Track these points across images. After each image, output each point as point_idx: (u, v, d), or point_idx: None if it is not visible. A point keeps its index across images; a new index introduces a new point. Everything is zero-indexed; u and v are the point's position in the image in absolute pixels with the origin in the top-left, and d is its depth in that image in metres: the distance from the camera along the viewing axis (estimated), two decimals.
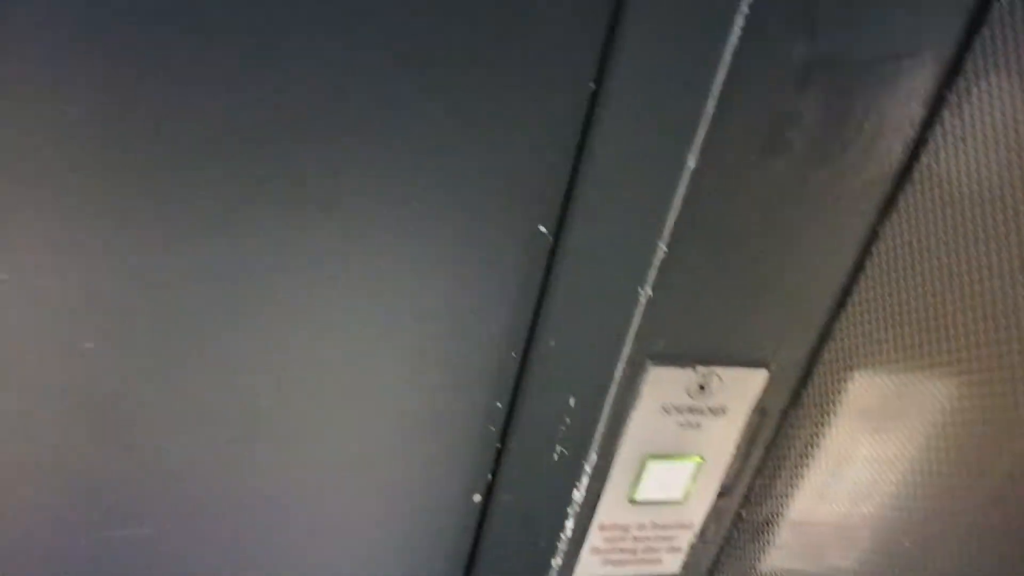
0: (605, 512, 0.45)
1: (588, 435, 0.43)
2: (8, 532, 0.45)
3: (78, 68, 0.33)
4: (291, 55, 0.35)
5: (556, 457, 0.45)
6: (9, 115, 0.34)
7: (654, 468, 0.43)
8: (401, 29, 0.35)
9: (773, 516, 0.48)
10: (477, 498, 0.52)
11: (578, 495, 0.45)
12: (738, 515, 0.48)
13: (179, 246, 0.38)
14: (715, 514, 0.47)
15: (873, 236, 0.39)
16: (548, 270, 0.44)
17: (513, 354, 0.47)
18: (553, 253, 0.43)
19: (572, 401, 0.43)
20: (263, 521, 0.49)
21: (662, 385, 0.41)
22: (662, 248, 0.38)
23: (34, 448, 0.42)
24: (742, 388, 0.42)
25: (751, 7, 0.33)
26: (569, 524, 0.46)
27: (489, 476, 0.51)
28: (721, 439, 0.43)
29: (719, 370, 0.41)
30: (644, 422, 0.42)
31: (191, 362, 0.41)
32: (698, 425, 0.42)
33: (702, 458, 0.44)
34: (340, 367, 0.44)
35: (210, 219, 0.38)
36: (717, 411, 0.42)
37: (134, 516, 0.46)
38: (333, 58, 0.35)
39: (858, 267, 0.40)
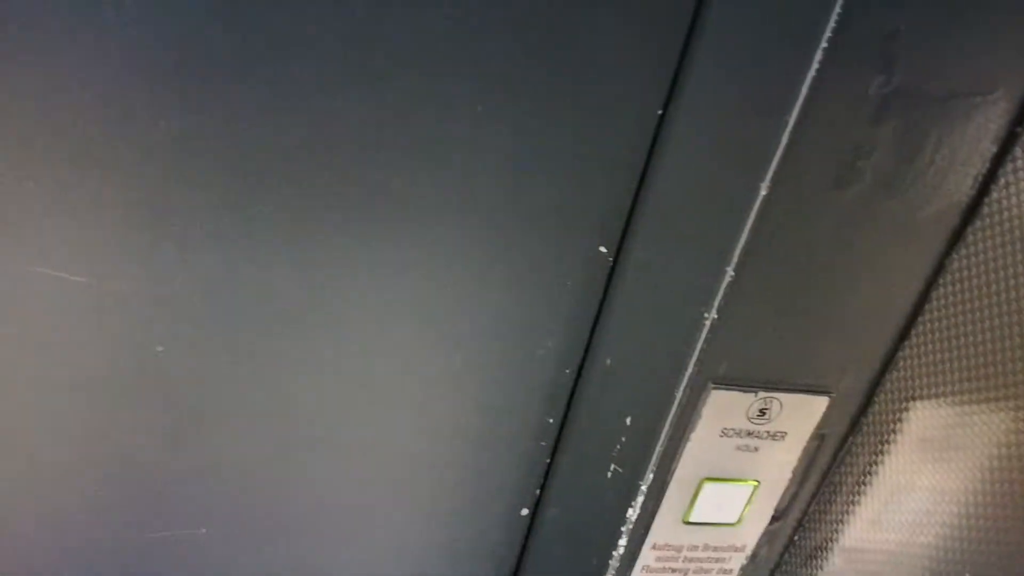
0: (658, 532, 0.45)
1: (644, 455, 0.43)
2: (70, 528, 0.46)
3: (170, 87, 0.35)
4: (363, 78, 0.36)
5: (610, 475, 0.46)
6: (100, 128, 0.35)
7: (709, 490, 0.44)
8: (471, 52, 0.36)
9: (826, 542, 0.48)
10: (525, 512, 0.52)
11: (632, 514, 0.45)
12: (791, 539, 0.48)
13: (249, 258, 0.39)
14: (768, 537, 0.47)
15: (940, 268, 0.40)
16: (606, 289, 0.45)
17: (567, 371, 0.47)
18: (612, 272, 0.44)
19: (629, 420, 0.44)
20: (314, 528, 0.50)
21: (722, 408, 0.41)
22: (729, 273, 0.38)
23: (101, 445, 0.43)
24: (803, 414, 0.42)
25: (830, 41, 0.34)
26: (622, 542, 0.46)
27: (537, 491, 0.52)
28: (778, 464, 0.44)
29: (780, 395, 0.41)
30: (702, 444, 0.42)
31: (254, 371, 0.42)
32: (756, 449, 0.43)
33: (758, 482, 0.44)
34: (393, 379, 0.44)
35: (279, 233, 0.39)
36: (776, 436, 0.43)
37: (192, 516, 0.47)
38: (406, 80, 0.36)
39: (923, 298, 0.40)
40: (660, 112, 0.40)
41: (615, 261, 0.44)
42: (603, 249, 0.44)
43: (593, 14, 0.36)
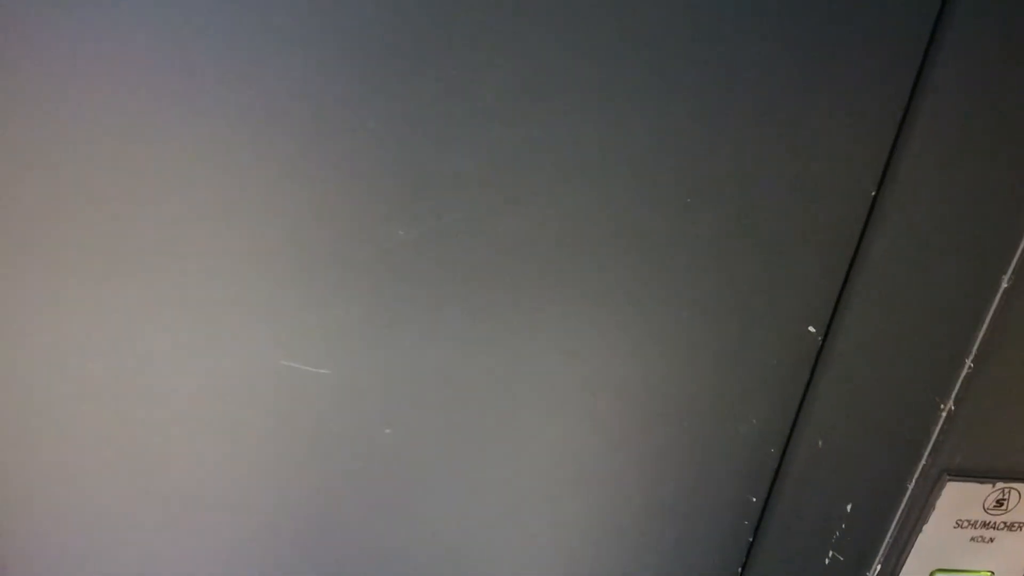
0: None
1: (871, 544, 0.42)
2: None
3: (403, 201, 0.38)
4: (575, 177, 0.37)
5: (828, 562, 0.45)
6: (343, 240, 0.38)
7: None
8: (678, 146, 0.37)
9: None
10: None
11: None
12: None
13: (472, 350, 0.41)
14: None
15: None
16: (814, 369, 0.44)
17: (772, 450, 0.47)
18: (821, 352, 0.44)
19: (850, 507, 0.43)
20: None
21: (957, 499, 0.40)
22: (968, 364, 0.37)
23: (334, 517, 0.46)
24: None
25: None
26: None
27: (739, 569, 0.51)
28: (1015, 554, 0.42)
29: (1020, 486, 0.40)
30: (935, 536, 0.41)
31: (472, 451, 0.45)
32: (991, 540, 0.41)
33: (992, 573, 0.42)
34: (596, 453, 0.45)
35: (498, 327, 0.41)
36: (1014, 527, 0.41)
37: None
38: (617, 176, 0.38)
39: None
40: (873, 193, 0.39)
41: (824, 341, 0.43)
42: (812, 329, 0.43)
43: (805, 92, 0.36)
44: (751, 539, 0.51)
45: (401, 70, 0.34)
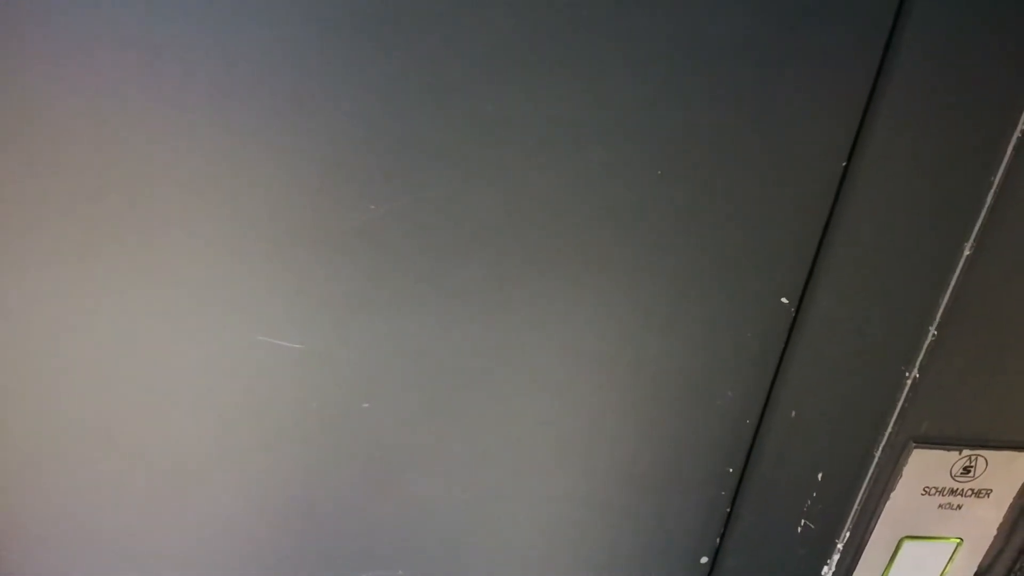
0: None
1: (840, 512, 0.43)
2: (280, 568, 0.50)
3: (376, 174, 0.38)
4: (552, 151, 0.37)
5: (800, 530, 0.45)
6: (314, 213, 0.38)
7: (910, 549, 0.43)
8: (650, 118, 0.37)
9: None
10: (704, 560, 0.53)
11: (827, 571, 0.44)
12: None
13: (447, 323, 0.42)
14: None
15: None
16: (788, 340, 0.44)
17: (748, 421, 0.47)
18: (794, 324, 0.44)
19: (820, 476, 0.43)
20: (500, 571, 0.52)
21: (924, 466, 0.40)
22: (932, 332, 0.38)
23: (312, 492, 0.47)
24: (1009, 470, 0.41)
25: None
26: None
27: (718, 540, 0.52)
28: (983, 521, 0.42)
29: (986, 452, 0.40)
30: (903, 503, 0.41)
31: (450, 425, 0.45)
32: (959, 507, 0.41)
33: (961, 540, 0.43)
34: (574, 426, 0.46)
35: (474, 300, 0.41)
36: (981, 493, 0.41)
37: (392, 558, 0.50)
38: (593, 151, 0.38)
39: None
40: (844, 164, 0.39)
41: (797, 312, 0.43)
42: (784, 300, 0.43)
43: (775, 65, 0.36)
44: (729, 509, 0.51)
45: (372, 43, 0.34)
